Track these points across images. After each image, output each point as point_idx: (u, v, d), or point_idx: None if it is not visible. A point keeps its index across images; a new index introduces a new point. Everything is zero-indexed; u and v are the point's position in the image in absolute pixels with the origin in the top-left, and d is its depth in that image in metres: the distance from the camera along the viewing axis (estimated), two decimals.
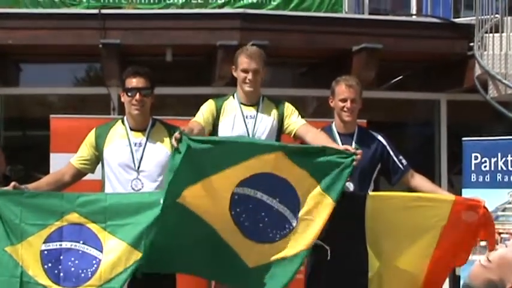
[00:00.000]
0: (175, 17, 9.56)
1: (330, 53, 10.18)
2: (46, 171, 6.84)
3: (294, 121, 5.62)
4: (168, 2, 10.30)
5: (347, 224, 5.14)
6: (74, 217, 4.97)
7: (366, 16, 10.94)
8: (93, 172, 5.49)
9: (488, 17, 9.93)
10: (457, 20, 10.66)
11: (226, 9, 10.18)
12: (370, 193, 5.28)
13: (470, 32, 10.09)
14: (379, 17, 10.72)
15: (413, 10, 11.62)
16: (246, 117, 5.60)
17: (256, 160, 4.91)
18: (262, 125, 5.58)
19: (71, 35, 9.57)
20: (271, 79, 7.64)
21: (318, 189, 4.92)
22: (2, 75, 10.31)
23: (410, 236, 5.21)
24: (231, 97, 5.72)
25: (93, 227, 4.97)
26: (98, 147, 5.38)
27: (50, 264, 4.95)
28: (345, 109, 5.57)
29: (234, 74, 5.71)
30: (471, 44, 10.08)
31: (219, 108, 5.64)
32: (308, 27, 9.64)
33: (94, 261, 4.94)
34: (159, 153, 5.32)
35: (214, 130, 5.62)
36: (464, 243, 5.28)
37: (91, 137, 5.43)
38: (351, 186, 5.42)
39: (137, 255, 4.89)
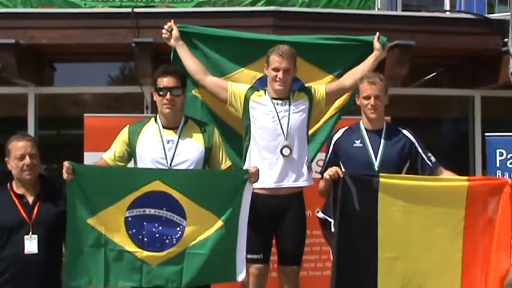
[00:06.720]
0: (207, 15, 9.55)
1: None
2: None
3: (320, 87, 5.92)
4: (200, 0, 10.35)
5: (359, 206, 5.18)
6: (156, 185, 5.09)
7: (399, 13, 10.89)
8: None
9: None
10: (491, 16, 10.57)
11: (258, 7, 10.19)
12: (382, 174, 5.27)
13: (505, 28, 9.98)
14: (411, 13, 10.61)
15: (447, 6, 11.53)
16: (280, 111, 5.69)
17: None
18: (296, 116, 5.71)
19: (104, 34, 9.63)
20: None
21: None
22: (37, 74, 10.41)
23: (427, 222, 5.23)
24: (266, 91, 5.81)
25: (176, 194, 5.09)
26: (131, 144, 5.44)
27: (134, 230, 5.10)
28: (369, 106, 5.57)
29: (266, 72, 5.78)
30: (505, 39, 9.98)
31: (248, 98, 5.77)
32: (340, 24, 9.57)
33: (178, 228, 5.10)
34: (191, 149, 5.37)
35: (247, 119, 5.77)
36: (500, 238, 5.17)
37: (124, 134, 5.50)
38: None
39: (220, 224, 5.09)
